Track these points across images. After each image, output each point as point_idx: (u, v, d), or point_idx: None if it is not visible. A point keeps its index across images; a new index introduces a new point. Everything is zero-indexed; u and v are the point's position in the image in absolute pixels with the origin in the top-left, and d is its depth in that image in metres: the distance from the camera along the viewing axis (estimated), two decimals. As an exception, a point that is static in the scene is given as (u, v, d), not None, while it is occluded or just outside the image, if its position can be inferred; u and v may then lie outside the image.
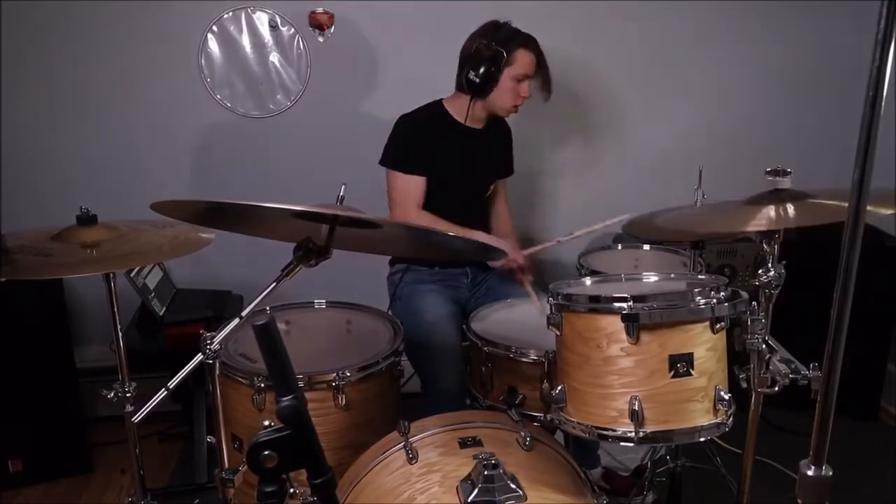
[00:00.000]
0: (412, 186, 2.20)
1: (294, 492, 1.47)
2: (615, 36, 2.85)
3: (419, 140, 2.21)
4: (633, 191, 2.80)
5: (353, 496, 1.39)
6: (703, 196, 1.86)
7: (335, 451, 1.65)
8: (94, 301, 2.70)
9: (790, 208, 1.42)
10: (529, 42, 2.17)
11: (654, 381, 1.30)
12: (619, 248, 2.58)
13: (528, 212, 2.95)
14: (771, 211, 1.43)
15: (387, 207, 2.25)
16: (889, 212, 1.35)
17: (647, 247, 2.51)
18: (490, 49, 2.13)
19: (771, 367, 1.42)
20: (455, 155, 2.23)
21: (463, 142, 2.25)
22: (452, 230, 2.08)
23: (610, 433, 1.34)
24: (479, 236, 2.15)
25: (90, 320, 2.74)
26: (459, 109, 2.24)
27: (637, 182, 2.90)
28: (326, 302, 2.08)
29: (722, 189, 1.73)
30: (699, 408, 1.32)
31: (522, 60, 2.15)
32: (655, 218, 1.69)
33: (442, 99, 2.28)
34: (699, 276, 1.64)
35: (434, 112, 2.26)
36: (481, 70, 2.13)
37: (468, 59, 2.17)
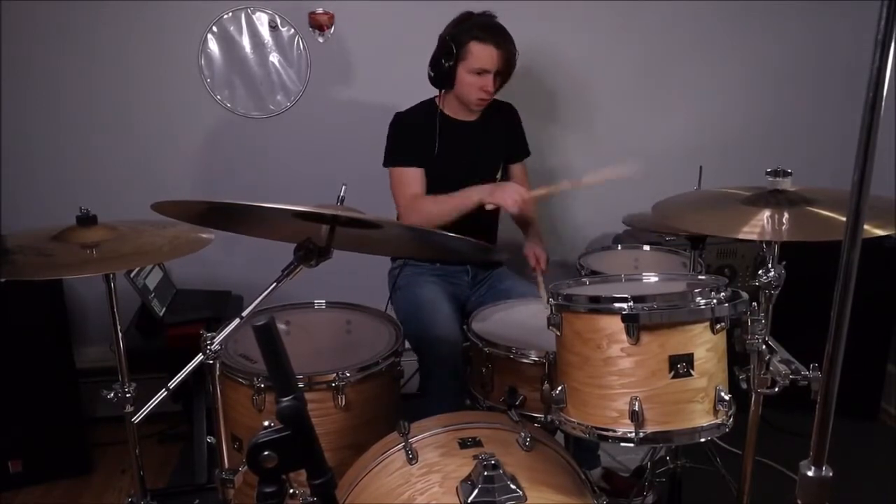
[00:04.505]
0: (409, 177, 2.22)
1: (294, 492, 1.47)
2: (616, 35, 2.86)
3: (412, 135, 2.23)
4: (634, 190, 2.80)
5: (353, 496, 1.39)
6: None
7: (335, 451, 1.65)
8: (94, 301, 2.71)
9: (786, 218, 1.42)
10: (487, 36, 2.10)
11: (654, 382, 1.30)
12: (619, 248, 2.58)
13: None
14: (766, 217, 1.43)
15: (387, 207, 2.26)
16: (884, 232, 1.31)
17: (647, 247, 2.51)
18: (445, 43, 2.13)
19: (771, 368, 1.42)
20: (449, 148, 2.24)
21: (455, 134, 2.26)
22: (452, 202, 2.08)
23: (610, 434, 1.34)
24: (474, 192, 2.07)
25: (90, 320, 2.74)
26: (448, 103, 2.26)
27: (638, 181, 2.90)
28: (326, 302, 2.08)
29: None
30: (699, 408, 1.31)
31: (477, 55, 2.10)
32: (655, 208, 1.68)
33: (435, 96, 2.30)
34: (699, 277, 1.64)
35: (426, 108, 2.28)
36: (436, 64, 2.15)
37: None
